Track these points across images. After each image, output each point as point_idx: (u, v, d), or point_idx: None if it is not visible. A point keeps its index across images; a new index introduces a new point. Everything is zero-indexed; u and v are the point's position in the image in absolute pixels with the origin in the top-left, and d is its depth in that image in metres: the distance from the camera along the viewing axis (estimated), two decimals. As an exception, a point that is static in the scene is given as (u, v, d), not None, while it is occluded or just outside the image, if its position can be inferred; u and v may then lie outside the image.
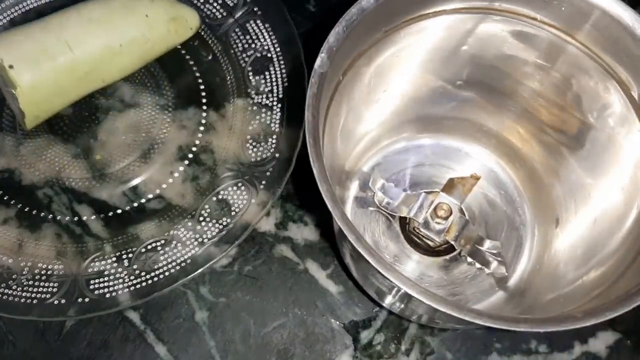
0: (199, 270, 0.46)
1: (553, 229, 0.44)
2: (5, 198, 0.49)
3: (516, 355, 0.46)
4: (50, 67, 0.46)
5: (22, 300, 0.44)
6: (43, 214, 0.49)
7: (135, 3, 0.49)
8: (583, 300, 0.35)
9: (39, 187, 0.49)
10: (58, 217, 0.48)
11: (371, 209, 0.47)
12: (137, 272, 0.46)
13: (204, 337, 0.46)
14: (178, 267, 0.46)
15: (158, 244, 0.47)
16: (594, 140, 0.41)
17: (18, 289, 0.45)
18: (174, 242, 0.47)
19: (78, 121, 0.52)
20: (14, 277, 0.45)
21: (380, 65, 0.41)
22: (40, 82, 0.46)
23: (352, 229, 0.31)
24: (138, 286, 0.45)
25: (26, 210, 0.49)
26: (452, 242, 0.43)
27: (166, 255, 0.47)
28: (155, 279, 0.46)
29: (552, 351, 0.46)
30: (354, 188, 0.48)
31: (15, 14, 0.55)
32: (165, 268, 0.46)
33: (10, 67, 0.45)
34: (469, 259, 0.44)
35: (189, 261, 0.46)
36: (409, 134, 0.49)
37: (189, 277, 0.46)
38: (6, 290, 0.45)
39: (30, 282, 0.45)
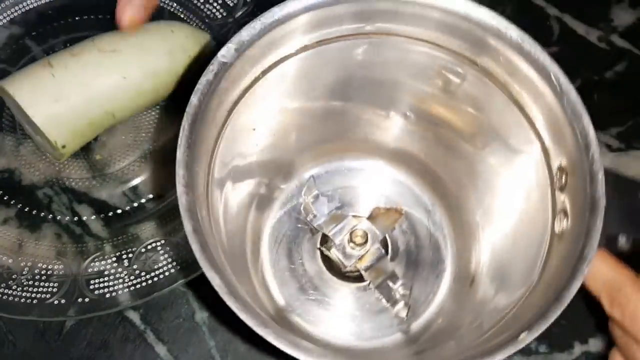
0: (200, 270, 0.46)
1: (468, 287, 0.43)
2: (5, 198, 0.49)
3: (516, 356, 0.46)
4: (93, 130, 0.49)
5: (22, 300, 0.44)
6: (43, 214, 0.49)
7: (178, 64, 0.49)
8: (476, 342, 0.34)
9: (39, 187, 0.49)
10: (58, 217, 0.48)
11: (297, 217, 0.46)
12: (137, 272, 0.46)
13: (204, 337, 0.46)
14: (178, 267, 0.46)
15: (158, 244, 0.47)
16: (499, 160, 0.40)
17: (18, 289, 0.45)
18: (173, 242, 0.47)
19: (78, 121, 0.52)
20: (14, 277, 0.45)
21: (293, 77, 0.39)
22: (80, 142, 0.49)
23: (191, 217, 0.30)
24: (138, 286, 0.45)
25: (26, 210, 0.49)
26: (362, 272, 0.44)
27: (166, 255, 0.46)
28: (155, 279, 0.46)
29: (552, 351, 0.46)
30: (288, 191, 0.47)
31: (15, 14, 0.55)
32: (165, 268, 0.46)
33: (63, 147, 0.46)
34: (376, 293, 0.44)
35: (189, 261, 0.46)
36: (331, 155, 0.48)
37: (189, 277, 0.46)
38: (6, 290, 0.45)
39: (30, 282, 0.45)
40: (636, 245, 0.34)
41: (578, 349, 0.46)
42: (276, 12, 0.34)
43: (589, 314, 0.47)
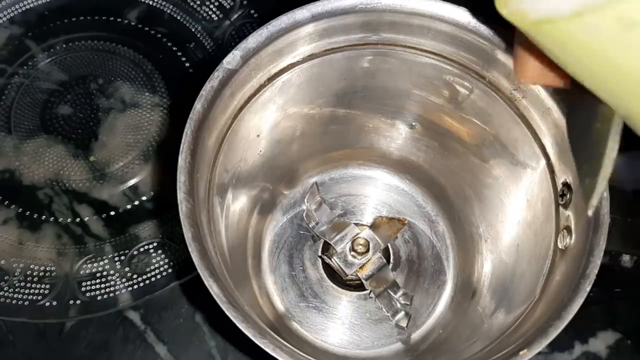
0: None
1: (469, 299, 0.43)
2: (5, 199, 0.49)
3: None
4: None
5: (13, 302, 0.45)
6: (44, 214, 0.49)
7: None
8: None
9: (39, 188, 0.49)
10: (60, 219, 0.48)
11: (299, 223, 0.46)
12: (132, 273, 0.46)
13: (204, 337, 0.46)
14: (177, 267, 0.46)
15: (155, 243, 0.47)
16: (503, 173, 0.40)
17: (9, 290, 0.45)
18: (173, 242, 0.47)
19: (78, 121, 0.52)
20: (5, 278, 0.46)
21: (299, 84, 0.39)
22: None
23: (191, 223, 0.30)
24: (136, 287, 0.46)
25: (26, 210, 0.49)
26: (363, 280, 0.44)
27: (163, 255, 0.47)
28: (153, 279, 0.46)
29: (552, 351, 0.46)
30: (291, 197, 0.47)
31: (15, 13, 0.55)
32: (163, 268, 0.46)
33: None
34: (377, 302, 0.44)
35: (187, 261, 0.46)
36: (335, 162, 0.48)
37: (189, 276, 0.46)
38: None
39: (22, 284, 0.45)
40: (639, 263, 0.34)
41: (578, 348, 0.46)
42: (283, 21, 0.34)
43: (589, 314, 0.47)
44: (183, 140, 0.32)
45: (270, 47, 0.34)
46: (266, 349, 0.28)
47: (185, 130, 0.32)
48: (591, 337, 0.47)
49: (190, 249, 0.29)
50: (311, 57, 0.37)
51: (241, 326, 0.28)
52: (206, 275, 0.29)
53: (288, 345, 0.28)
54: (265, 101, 0.37)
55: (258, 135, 0.40)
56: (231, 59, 0.33)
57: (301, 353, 0.29)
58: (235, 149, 0.38)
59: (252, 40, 0.33)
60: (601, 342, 0.47)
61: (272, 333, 0.29)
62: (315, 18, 0.34)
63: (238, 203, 0.41)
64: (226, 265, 0.34)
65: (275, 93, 0.38)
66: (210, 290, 0.29)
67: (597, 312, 0.47)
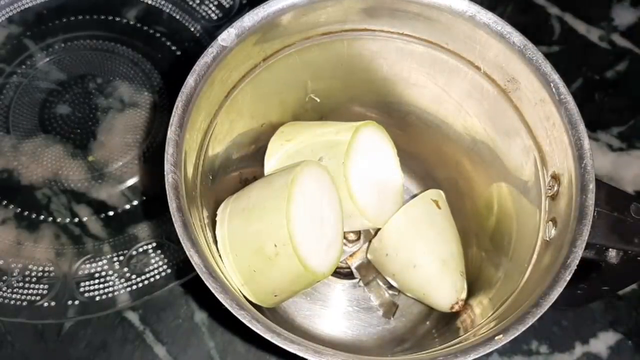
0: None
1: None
2: (3, 199, 0.49)
3: (517, 356, 0.46)
4: None
5: (11, 302, 0.45)
6: (42, 214, 0.48)
7: None
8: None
9: (38, 188, 0.49)
10: (58, 219, 0.48)
11: None
12: (131, 273, 0.46)
13: (203, 337, 0.46)
14: (176, 267, 0.46)
15: (156, 243, 0.47)
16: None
17: (8, 291, 0.45)
18: (172, 242, 0.47)
19: (77, 121, 0.52)
20: (4, 278, 0.45)
21: (294, 66, 0.39)
22: None
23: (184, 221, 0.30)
24: (135, 287, 0.45)
25: (25, 210, 0.49)
26: (353, 269, 0.44)
27: (163, 255, 0.46)
28: (152, 279, 0.46)
29: (553, 352, 0.46)
30: None
31: (13, 12, 0.55)
32: (162, 268, 0.46)
33: None
34: (366, 291, 0.44)
35: (185, 261, 0.46)
36: None
37: (189, 276, 0.46)
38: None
39: (20, 284, 0.45)
40: (625, 259, 0.34)
41: (579, 349, 0.46)
42: (281, 2, 0.34)
43: (590, 315, 0.47)
44: (173, 114, 0.31)
45: (266, 27, 0.34)
46: (243, 320, 0.28)
47: (176, 103, 0.31)
48: (592, 337, 0.47)
49: (174, 220, 0.29)
50: (308, 39, 0.37)
51: (219, 296, 0.28)
52: (188, 246, 0.29)
53: (264, 318, 0.28)
54: (260, 81, 0.37)
55: (252, 117, 0.40)
56: (226, 36, 0.33)
57: (276, 326, 0.28)
58: (228, 129, 0.37)
59: (248, 19, 0.33)
60: (602, 343, 0.47)
61: (250, 306, 0.29)
62: (312, 1, 0.34)
63: (229, 185, 0.40)
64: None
65: (270, 74, 0.37)
66: (192, 260, 0.29)
67: (598, 312, 0.47)
